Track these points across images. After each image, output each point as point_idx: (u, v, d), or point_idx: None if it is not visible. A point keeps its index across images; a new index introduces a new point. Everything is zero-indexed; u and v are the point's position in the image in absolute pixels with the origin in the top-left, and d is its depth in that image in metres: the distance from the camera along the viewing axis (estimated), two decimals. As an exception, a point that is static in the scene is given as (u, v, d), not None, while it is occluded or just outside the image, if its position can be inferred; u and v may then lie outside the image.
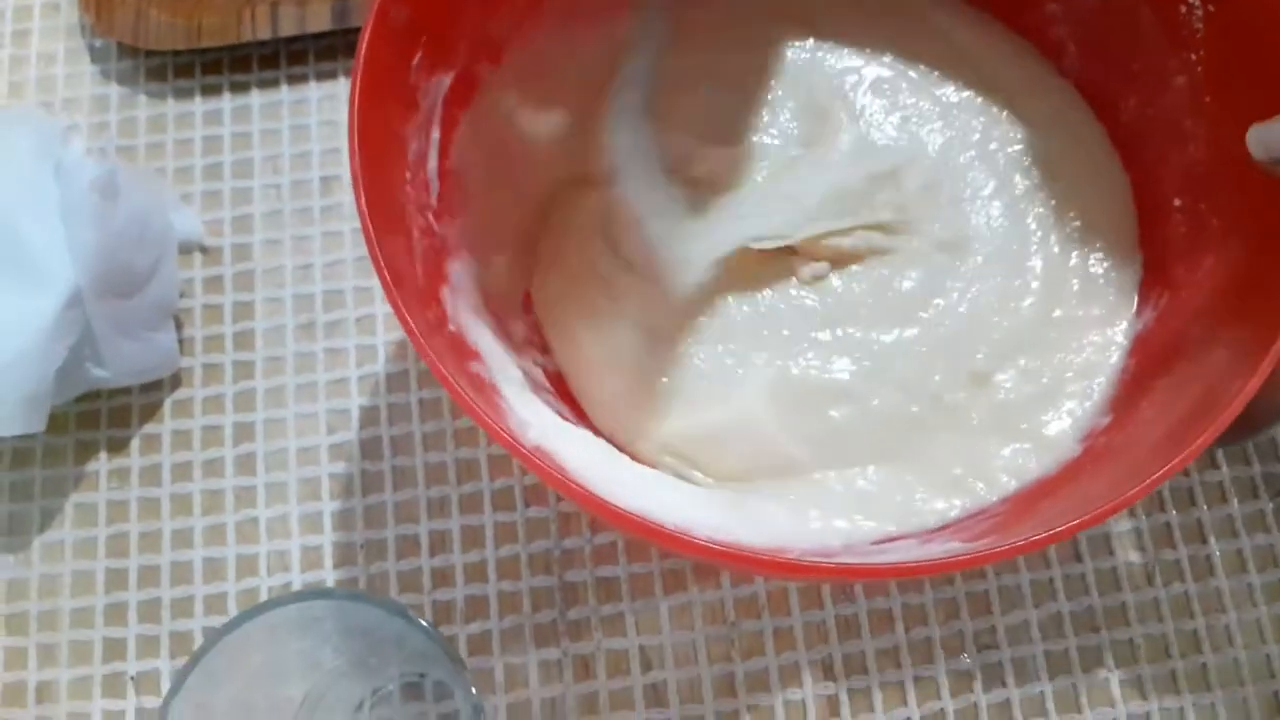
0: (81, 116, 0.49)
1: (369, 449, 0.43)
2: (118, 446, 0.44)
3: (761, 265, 0.40)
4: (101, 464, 0.43)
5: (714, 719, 0.39)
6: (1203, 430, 0.27)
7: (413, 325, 0.30)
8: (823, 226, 0.39)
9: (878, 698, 0.39)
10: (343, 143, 0.48)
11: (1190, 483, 0.42)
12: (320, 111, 0.49)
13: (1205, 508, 0.42)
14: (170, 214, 0.45)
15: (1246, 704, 0.40)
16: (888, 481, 0.36)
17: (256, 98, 0.49)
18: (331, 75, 0.50)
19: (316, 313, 0.45)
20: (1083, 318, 0.38)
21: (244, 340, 0.45)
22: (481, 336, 0.37)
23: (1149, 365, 0.36)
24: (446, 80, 0.38)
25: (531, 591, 0.40)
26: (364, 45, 0.34)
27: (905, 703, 0.39)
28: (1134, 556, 0.41)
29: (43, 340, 0.40)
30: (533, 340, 0.40)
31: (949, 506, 0.35)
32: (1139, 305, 0.38)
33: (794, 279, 0.40)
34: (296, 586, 0.41)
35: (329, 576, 0.41)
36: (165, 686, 0.40)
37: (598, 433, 0.38)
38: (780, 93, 0.42)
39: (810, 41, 0.43)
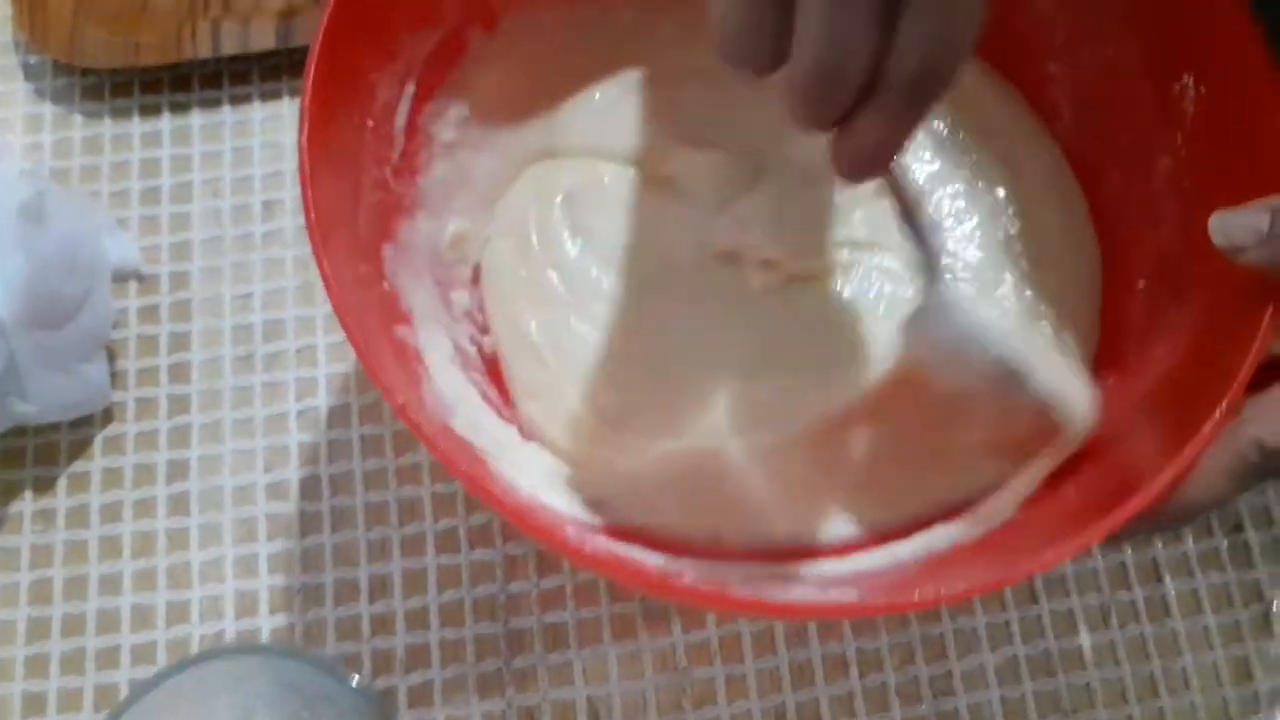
0: (14, 136, 0.47)
1: (307, 488, 0.41)
2: (43, 486, 0.42)
3: (717, 269, 0.39)
4: (26, 505, 0.41)
5: (664, 770, 0.38)
6: (1120, 515, 0.27)
7: (328, 270, 0.30)
8: (803, 240, 0.39)
9: (832, 746, 0.39)
10: (287, 165, 0.47)
11: (1147, 522, 0.42)
12: (264, 133, 0.47)
13: (1160, 545, 0.41)
14: (104, 240, 0.44)
15: (1204, 749, 0.39)
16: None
17: (197, 118, 0.48)
18: (276, 96, 0.48)
19: (255, 344, 0.44)
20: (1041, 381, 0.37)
21: (179, 373, 0.43)
22: (418, 301, 0.37)
23: (1084, 444, 0.35)
24: (433, 37, 0.38)
25: (475, 639, 0.39)
26: None
27: (860, 751, 0.39)
28: (1090, 598, 0.40)
29: (-38, 375, 0.38)
30: (474, 316, 0.40)
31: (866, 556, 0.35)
32: (1089, 380, 0.37)
33: (750, 286, 0.39)
34: (230, 634, 0.39)
35: (264, 623, 0.40)
36: (89, 740, 0.38)
37: (521, 423, 0.38)
38: (769, 104, 0.41)
39: None
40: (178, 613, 0.40)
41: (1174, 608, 0.41)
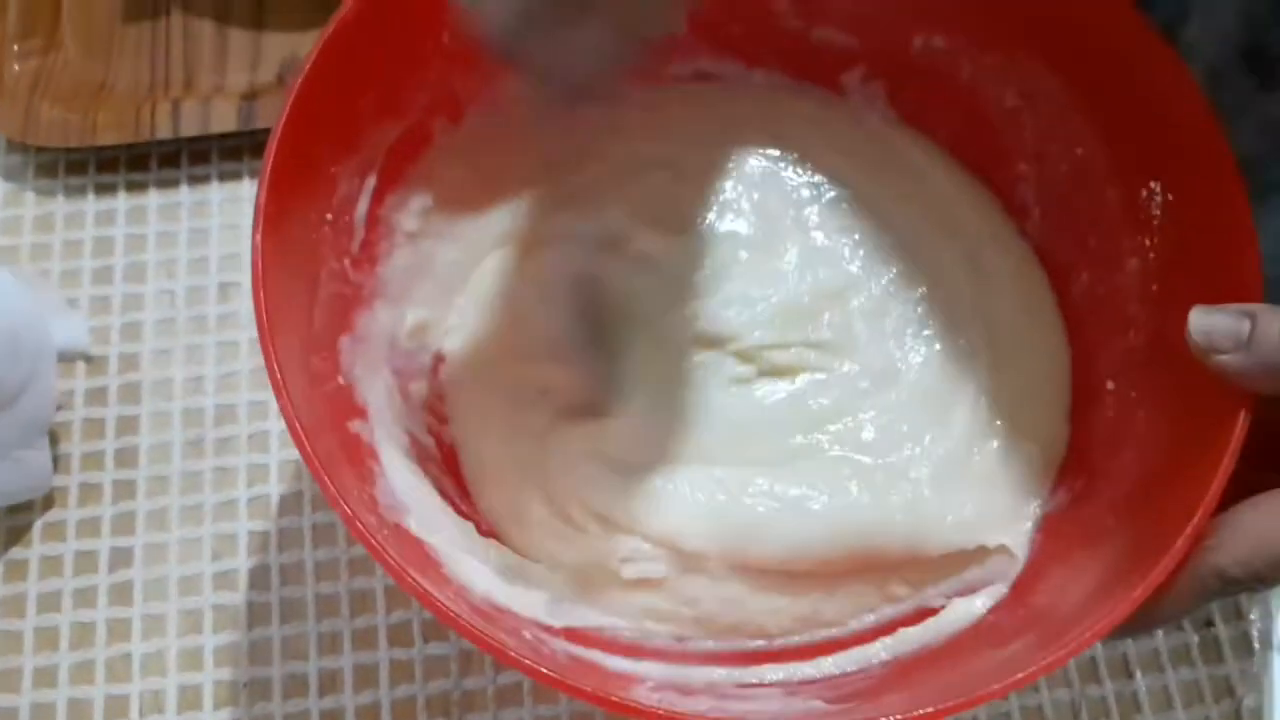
0: (-38, 213, 0.47)
1: (256, 578, 0.40)
2: (-22, 574, 0.40)
3: (681, 358, 0.39)
4: (-41, 593, 0.40)
5: None
6: (1084, 634, 0.27)
7: (279, 378, 0.29)
8: (771, 337, 0.38)
9: None
10: (245, 247, 0.46)
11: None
12: (222, 214, 0.47)
13: (1131, 641, 0.41)
14: (51, 321, 0.43)
15: None
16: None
17: (154, 198, 0.47)
18: (236, 176, 0.48)
19: (206, 428, 0.43)
20: (995, 484, 0.37)
21: (126, 457, 0.42)
22: (374, 394, 0.36)
23: (1052, 548, 0.35)
24: (397, 129, 0.38)
25: (428, 738, 0.38)
26: (310, 63, 0.33)
27: None
28: (1060, 694, 0.40)
29: (-103, 460, 0.37)
30: (433, 407, 0.39)
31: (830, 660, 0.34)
32: (1055, 484, 0.37)
33: (717, 378, 0.39)
34: (170, 731, 0.38)
35: (207, 719, 0.38)
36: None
37: (479, 518, 0.37)
38: (733, 194, 0.42)
39: (774, 152, 0.42)
40: (117, 707, 0.38)
41: (1145, 704, 0.40)
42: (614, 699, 0.27)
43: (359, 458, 0.34)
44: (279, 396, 0.30)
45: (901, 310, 0.39)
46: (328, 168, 0.36)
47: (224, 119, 0.47)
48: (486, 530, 0.37)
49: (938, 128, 0.43)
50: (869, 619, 0.35)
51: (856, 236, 0.41)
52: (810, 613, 0.36)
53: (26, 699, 0.38)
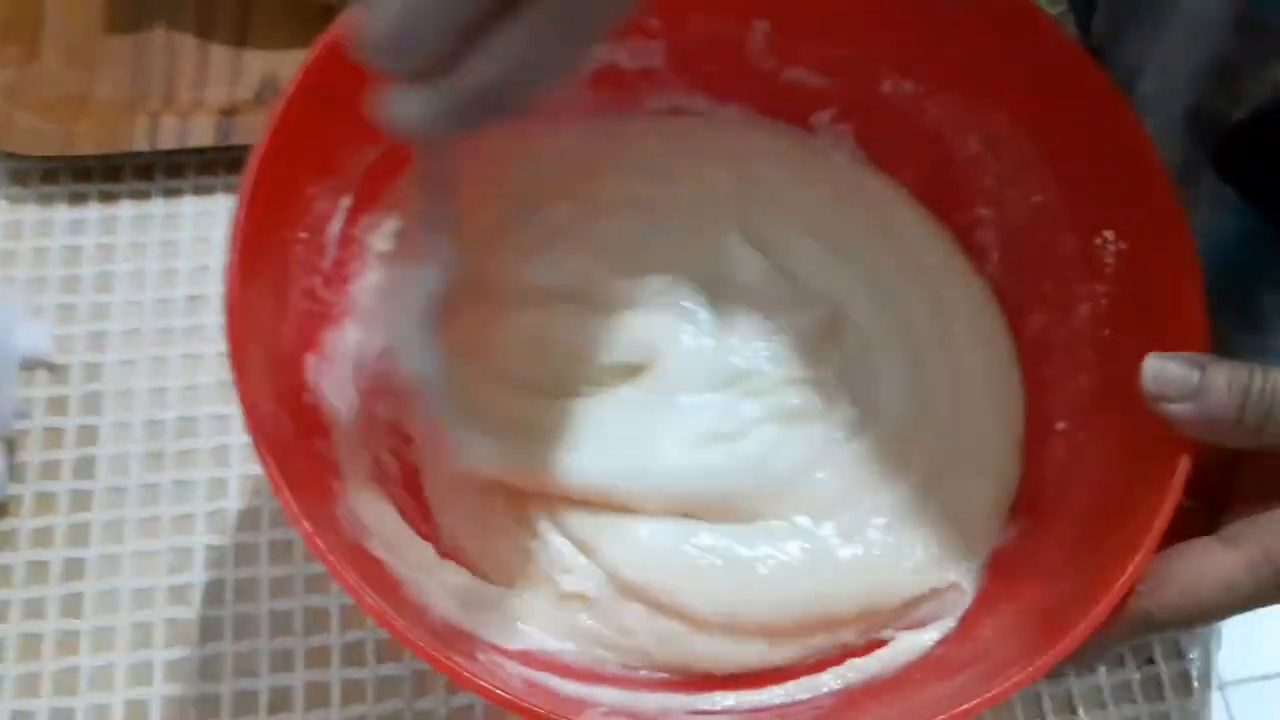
0: (-70, 217, 0.46)
1: (211, 593, 0.40)
2: (-74, 580, 0.40)
3: (643, 407, 0.38)
4: (-95, 599, 0.39)
5: None
6: (1029, 669, 0.28)
7: (244, 386, 0.29)
8: (743, 388, 0.38)
9: None
10: (215, 260, 0.46)
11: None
12: (195, 227, 0.47)
13: (1073, 676, 0.41)
14: (15, 328, 0.43)
15: None
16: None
17: (127, 209, 0.47)
18: (210, 191, 0.48)
19: (167, 440, 0.43)
20: (950, 522, 0.37)
21: (84, 468, 0.42)
22: (339, 413, 0.36)
23: (999, 583, 0.35)
24: (373, 153, 0.38)
25: (378, 760, 0.38)
26: (293, 85, 0.33)
27: None
28: None
29: None
30: (398, 428, 0.39)
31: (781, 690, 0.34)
32: (1005, 521, 0.37)
33: (680, 428, 0.38)
34: (115, 746, 0.37)
35: (153, 735, 0.38)
36: None
37: (438, 539, 0.37)
38: (700, 231, 0.41)
39: (738, 187, 0.42)
40: (60, 722, 0.38)
41: None
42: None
43: (321, 476, 0.34)
44: (245, 411, 0.30)
45: (878, 352, 0.39)
46: (305, 188, 0.36)
47: (202, 134, 0.48)
48: (445, 552, 0.37)
49: (902, 169, 0.43)
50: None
51: (830, 274, 0.41)
52: (755, 658, 0.35)
53: (-30, 709, 0.38)
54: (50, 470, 0.42)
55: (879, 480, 0.37)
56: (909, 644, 0.34)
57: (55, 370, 0.44)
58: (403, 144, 0.38)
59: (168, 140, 0.47)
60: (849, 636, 0.35)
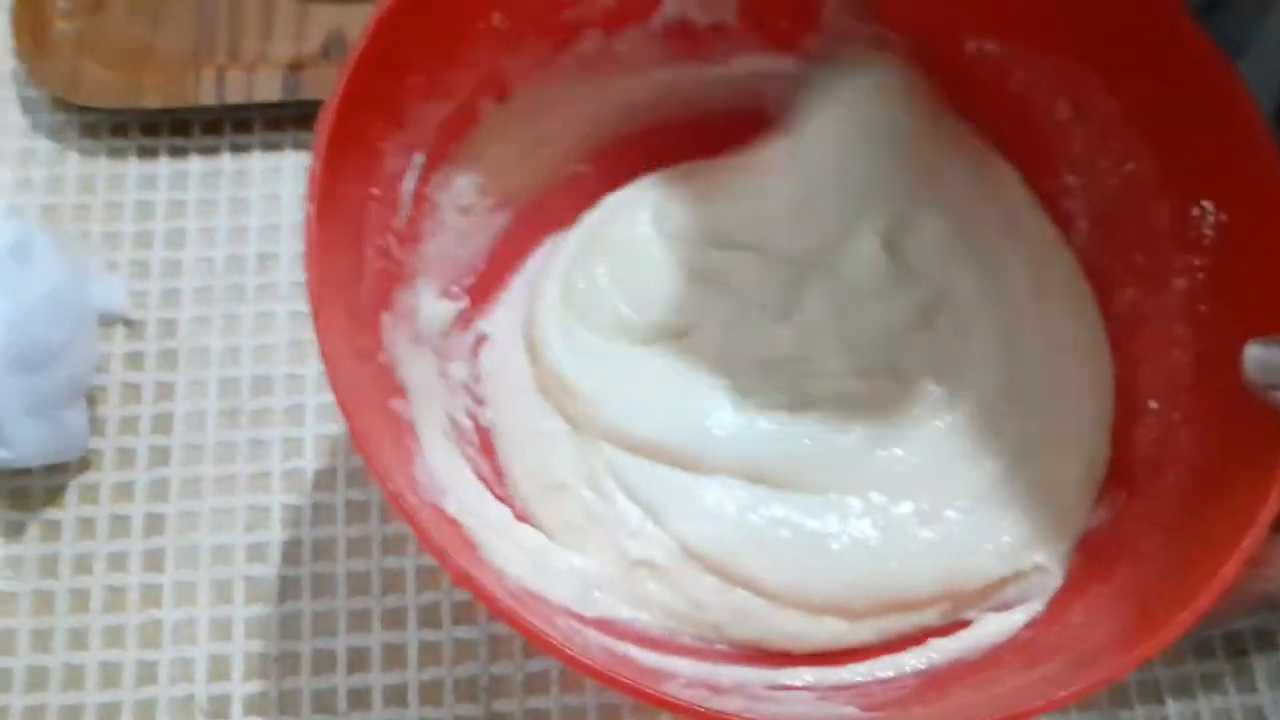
0: (5, 170, 0.46)
1: (288, 552, 0.40)
2: (14, 532, 0.40)
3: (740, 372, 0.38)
4: (-6, 550, 0.40)
5: None
6: (1126, 657, 0.27)
7: (329, 351, 0.29)
8: (860, 359, 0.38)
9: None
10: (285, 219, 0.46)
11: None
12: (263, 184, 0.47)
13: (1162, 666, 0.40)
14: (92, 283, 0.43)
15: None
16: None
17: (196, 164, 0.47)
18: (277, 148, 0.48)
19: (242, 399, 0.43)
20: (1037, 504, 0.36)
21: (162, 424, 0.42)
22: (414, 372, 0.36)
23: (1089, 566, 0.35)
24: (445, 107, 0.37)
25: (455, 721, 0.38)
26: (362, 45, 0.33)
27: None
28: (1091, 715, 0.39)
29: (-60, 418, 0.37)
30: (471, 388, 0.39)
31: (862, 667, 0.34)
32: (1095, 502, 0.36)
33: (767, 397, 0.38)
34: (200, 699, 0.38)
35: (237, 689, 0.38)
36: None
37: (512, 503, 0.37)
38: (802, 211, 0.40)
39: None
40: (146, 673, 0.39)
41: None
42: (654, 693, 0.27)
43: (399, 436, 0.34)
44: (328, 369, 0.30)
45: (974, 332, 0.38)
46: (377, 143, 0.36)
47: (269, 89, 0.47)
48: (518, 514, 0.38)
49: (983, 135, 0.42)
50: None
51: (941, 252, 0.39)
52: (831, 638, 0.35)
53: (58, 659, 0.39)
54: (129, 426, 0.42)
55: (964, 460, 0.37)
56: (994, 626, 0.34)
57: (132, 326, 0.44)
58: (473, 99, 0.39)
59: (235, 95, 0.47)
60: (929, 619, 0.35)
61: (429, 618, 0.39)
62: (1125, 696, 0.40)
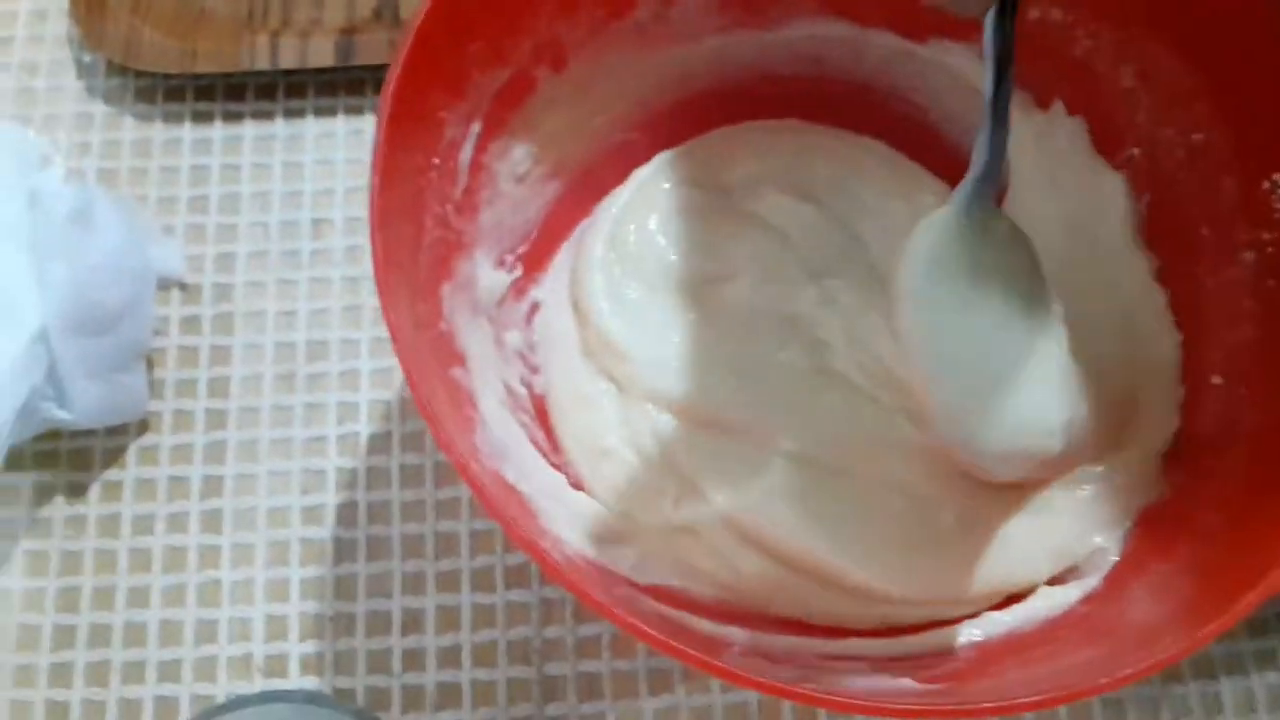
0: (62, 134, 0.47)
1: (344, 514, 0.41)
2: (76, 492, 0.41)
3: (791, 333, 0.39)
4: (57, 509, 0.41)
5: (688, 825, 0.38)
6: (1192, 636, 0.27)
7: (394, 320, 0.30)
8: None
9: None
10: (339, 184, 0.46)
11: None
12: (317, 149, 0.47)
13: (1215, 642, 0.40)
14: (150, 247, 0.43)
15: None
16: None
17: (250, 129, 0.47)
18: (330, 113, 0.48)
19: (298, 363, 0.43)
20: (1101, 473, 0.36)
21: (219, 387, 0.43)
22: (472, 341, 0.37)
23: (1149, 542, 0.34)
24: (502, 76, 0.37)
25: (508, 683, 0.38)
26: (423, 13, 0.33)
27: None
28: (1142, 689, 0.39)
29: (3, 379, 0.38)
30: (525, 356, 0.40)
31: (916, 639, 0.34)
32: (1155, 479, 0.36)
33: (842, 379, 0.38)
34: (258, 657, 0.39)
35: (293, 649, 0.39)
36: (109, 757, 0.38)
37: (566, 471, 0.38)
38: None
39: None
40: (205, 632, 0.39)
41: (1227, 706, 0.39)
42: (712, 663, 0.27)
43: (459, 404, 0.35)
44: (393, 336, 0.30)
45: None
46: (437, 112, 0.36)
47: (321, 54, 0.47)
48: (573, 482, 0.38)
49: (1046, 104, 0.42)
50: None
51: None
52: (878, 620, 0.35)
53: (120, 617, 0.39)
54: (186, 388, 0.43)
55: None
56: (1050, 600, 0.34)
57: (188, 290, 0.44)
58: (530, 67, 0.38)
59: (288, 60, 0.47)
60: (980, 607, 0.35)
61: (483, 581, 0.40)
62: (1177, 672, 0.40)
